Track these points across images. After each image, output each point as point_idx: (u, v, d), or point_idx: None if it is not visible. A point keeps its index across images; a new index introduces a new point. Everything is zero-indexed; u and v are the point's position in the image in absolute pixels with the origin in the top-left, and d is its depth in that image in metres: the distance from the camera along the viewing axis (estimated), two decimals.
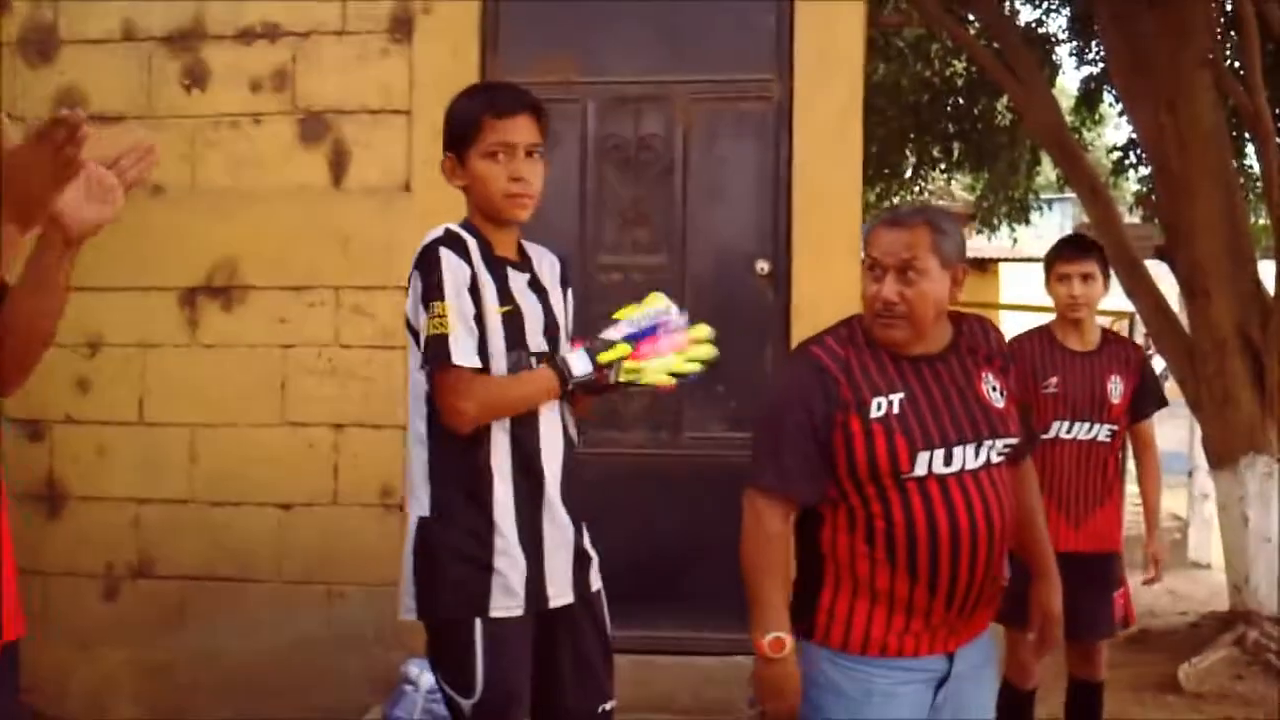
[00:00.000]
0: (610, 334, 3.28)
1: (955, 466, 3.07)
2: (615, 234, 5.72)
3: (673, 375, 3.34)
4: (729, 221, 5.70)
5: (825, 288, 5.40)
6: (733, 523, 5.51)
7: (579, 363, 3.23)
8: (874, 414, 3.05)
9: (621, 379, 3.25)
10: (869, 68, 9.89)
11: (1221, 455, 7.83)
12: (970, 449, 3.09)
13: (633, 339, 3.26)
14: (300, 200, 5.78)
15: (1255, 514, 7.64)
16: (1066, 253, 5.04)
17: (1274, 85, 8.13)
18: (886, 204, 12.13)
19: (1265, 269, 7.98)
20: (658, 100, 5.72)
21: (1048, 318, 5.19)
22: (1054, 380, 4.92)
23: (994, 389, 3.20)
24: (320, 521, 5.70)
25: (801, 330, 5.12)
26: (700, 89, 5.70)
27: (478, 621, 3.20)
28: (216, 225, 5.82)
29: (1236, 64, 8.58)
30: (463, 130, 3.32)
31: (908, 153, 12.36)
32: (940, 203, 19.88)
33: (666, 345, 3.26)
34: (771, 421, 3.20)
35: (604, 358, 3.22)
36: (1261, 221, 9.89)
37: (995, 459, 3.14)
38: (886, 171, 12.32)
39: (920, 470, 3.04)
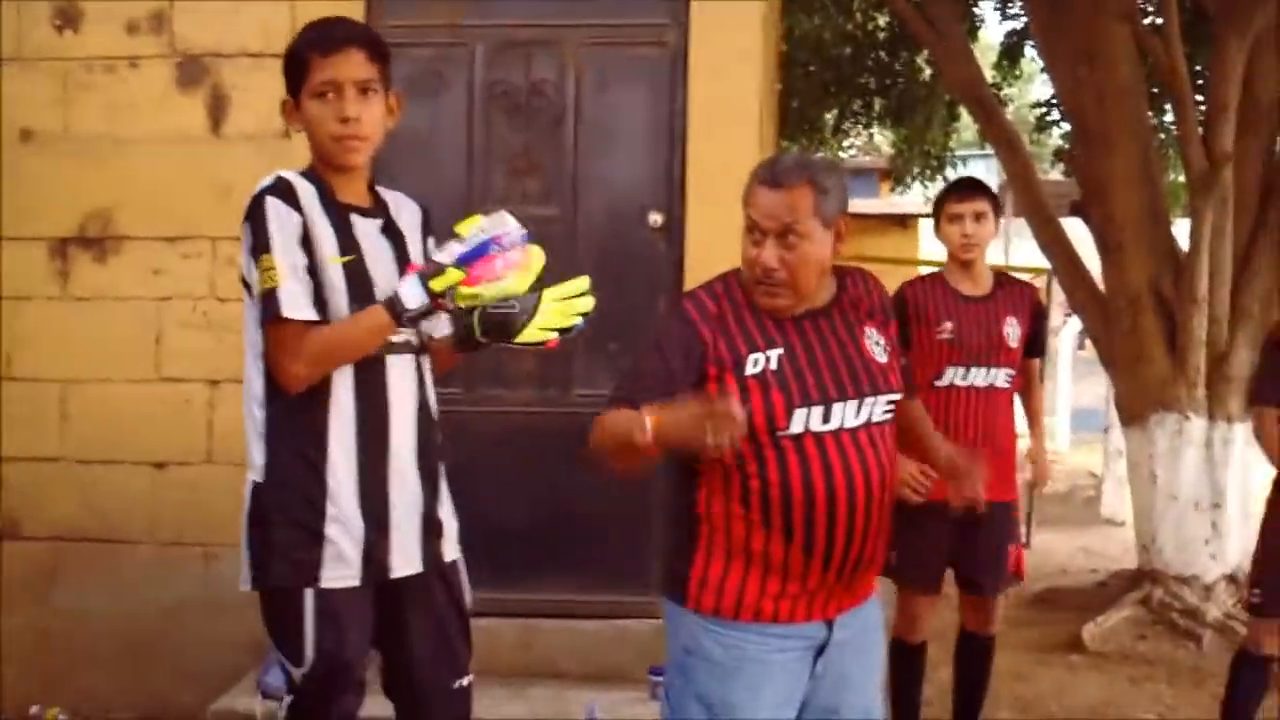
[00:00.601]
0: (440, 257, 3.01)
1: (834, 424, 2.95)
2: (504, 183, 5.52)
3: (555, 330, 3.13)
4: (622, 172, 5.52)
5: (719, 241, 5.17)
6: (622, 483, 5.42)
7: (411, 293, 2.99)
8: (750, 370, 2.93)
9: (461, 303, 3.01)
10: (789, 20, 9.76)
11: (1133, 412, 7.80)
12: (851, 406, 2.98)
13: (465, 260, 3.00)
14: (177, 147, 5.55)
15: (1164, 472, 7.62)
16: (958, 192, 4.94)
17: (1192, 41, 8.03)
18: None
19: (1179, 227, 7.92)
20: (549, 45, 5.52)
21: None
22: (948, 325, 4.83)
23: (877, 344, 3.09)
24: (195, 481, 5.51)
25: (696, 284, 4.95)
26: (593, 34, 5.49)
27: (308, 592, 3.04)
28: (89, 173, 5.58)
29: (1155, 19, 8.48)
30: (293, 70, 3.13)
31: (829, 108, 12.20)
32: (865, 158, 19.81)
33: (502, 266, 3.00)
34: (634, 369, 3.06)
35: (436, 285, 2.97)
36: (1179, 179, 9.81)
37: (878, 417, 3.03)
38: (808, 126, 12.16)
39: (797, 428, 2.92)
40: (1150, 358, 7.62)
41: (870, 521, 2.97)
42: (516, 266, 3.01)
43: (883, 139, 13.67)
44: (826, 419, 2.94)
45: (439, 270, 2.98)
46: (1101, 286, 8.10)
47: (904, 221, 19.02)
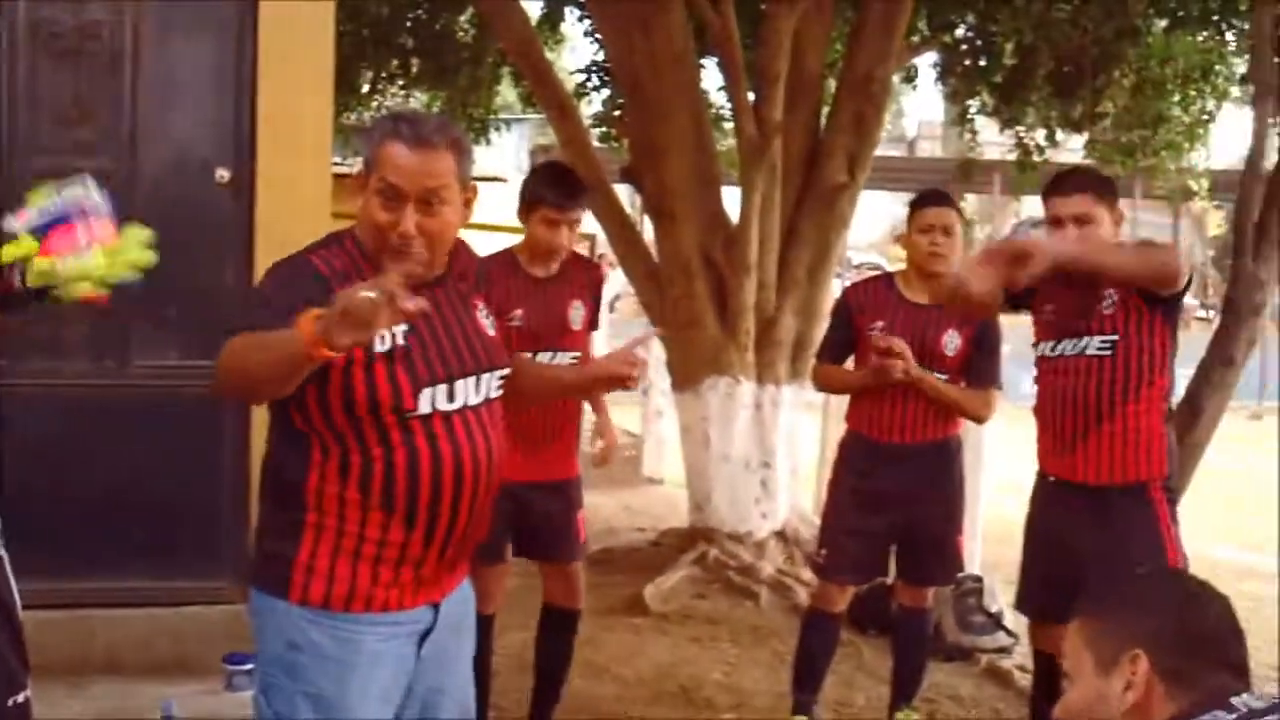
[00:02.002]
0: (12, 224, 2.61)
1: (458, 403, 2.82)
2: (52, 134, 5.01)
3: (103, 283, 2.76)
4: (185, 123, 5.14)
5: (292, 199, 4.97)
6: (189, 460, 5.09)
7: None
8: (378, 346, 2.71)
9: (33, 282, 2.60)
10: None
11: (685, 377, 7.95)
12: (472, 383, 2.85)
13: (41, 230, 2.59)
14: None
15: (716, 434, 7.80)
16: (559, 200, 4.73)
17: (743, 11, 8.21)
18: (345, 119, 11.58)
19: (729, 194, 8.11)
20: None
21: (511, 238, 4.96)
22: (519, 312, 4.68)
23: (486, 316, 2.97)
24: None
25: (267, 245, 4.67)
26: None
27: None
28: None
29: None
30: None
31: (365, 68, 11.89)
32: None
33: (85, 237, 2.61)
34: (255, 302, 2.76)
35: (5, 256, 2.56)
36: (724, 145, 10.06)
37: (493, 393, 2.92)
38: (346, 87, 11.80)
39: (424, 408, 2.76)
40: (702, 323, 7.78)
41: (486, 503, 2.89)
42: (100, 240, 2.63)
43: (417, 101, 13.40)
44: (451, 398, 2.81)
45: (8, 238, 2.55)
46: (653, 252, 8.22)
47: None
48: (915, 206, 5.02)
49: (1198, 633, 2.28)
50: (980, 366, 4.97)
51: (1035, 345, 4.47)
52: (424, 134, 2.74)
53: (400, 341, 2.74)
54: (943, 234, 4.89)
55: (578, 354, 4.85)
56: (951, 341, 4.92)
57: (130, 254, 2.78)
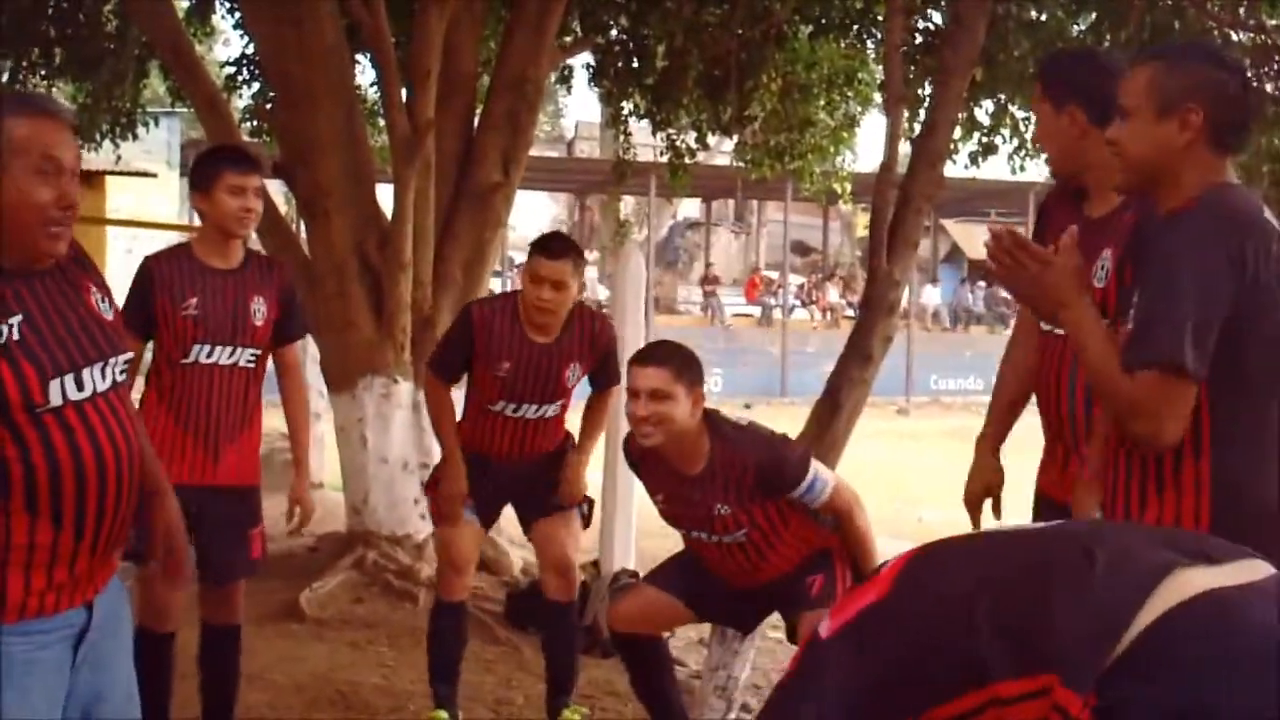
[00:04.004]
0: None
1: (88, 391, 2.75)
2: None
3: None
4: None
5: None
6: None
7: None
8: None
9: None
10: None
11: (340, 377, 7.84)
12: (98, 370, 2.79)
13: None
14: None
15: (374, 435, 7.73)
16: (239, 167, 4.61)
17: (394, 7, 8.11)
18: None
19: (383, 191, 8.02)
20: None
21: (162, 235, 4.77)
22: (194, 301, 4.53)
23: (102, 301, 2.90)
24: None
25: None
26: None
27: None
28: None
29: None
30: None
31: (4, 56, 11.32)
32: None
33: None
34: None
35: None
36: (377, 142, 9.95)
37: (119, 377, 2.87)
38: None
39: (55, 400, 2.68)
40: (357, 322, 7.67)
41: (132, 488, 2.83)
42: None
43: (60, 92, 12.78)
44: (80, 387, 2.74)
45: None
46: (306, 250, 8.07)
47: (89, 178, 18.20)
48: (532, 250, 5.06)
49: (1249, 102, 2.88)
50: (601, 372, 5.25)
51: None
52: (56, 109, 2.75)
53: (17, 336, 2.66)
54: (551, 289, 4.96)
55: (258, 350, 4.67)
56: (574, 374, 5.13)
57: None
